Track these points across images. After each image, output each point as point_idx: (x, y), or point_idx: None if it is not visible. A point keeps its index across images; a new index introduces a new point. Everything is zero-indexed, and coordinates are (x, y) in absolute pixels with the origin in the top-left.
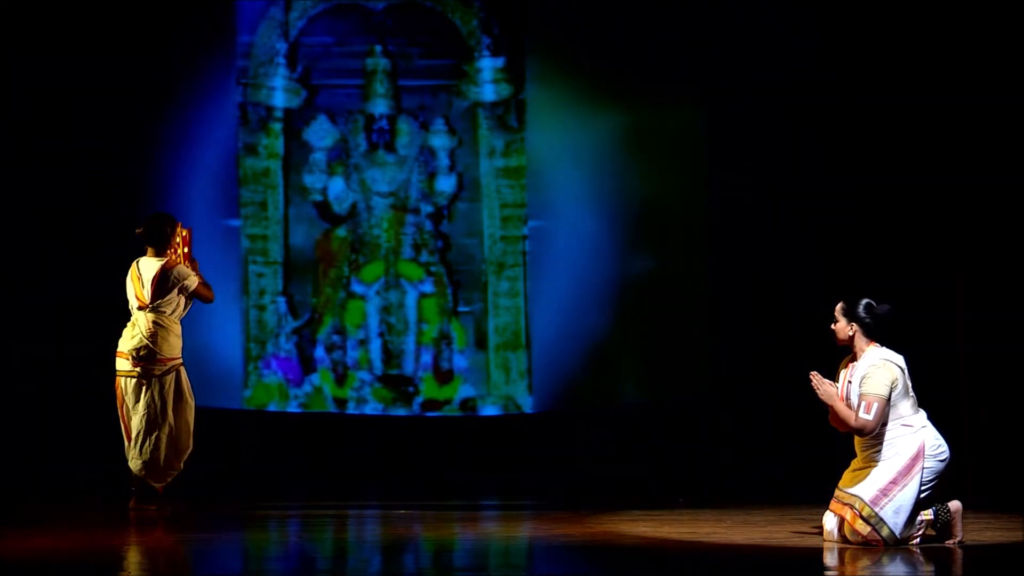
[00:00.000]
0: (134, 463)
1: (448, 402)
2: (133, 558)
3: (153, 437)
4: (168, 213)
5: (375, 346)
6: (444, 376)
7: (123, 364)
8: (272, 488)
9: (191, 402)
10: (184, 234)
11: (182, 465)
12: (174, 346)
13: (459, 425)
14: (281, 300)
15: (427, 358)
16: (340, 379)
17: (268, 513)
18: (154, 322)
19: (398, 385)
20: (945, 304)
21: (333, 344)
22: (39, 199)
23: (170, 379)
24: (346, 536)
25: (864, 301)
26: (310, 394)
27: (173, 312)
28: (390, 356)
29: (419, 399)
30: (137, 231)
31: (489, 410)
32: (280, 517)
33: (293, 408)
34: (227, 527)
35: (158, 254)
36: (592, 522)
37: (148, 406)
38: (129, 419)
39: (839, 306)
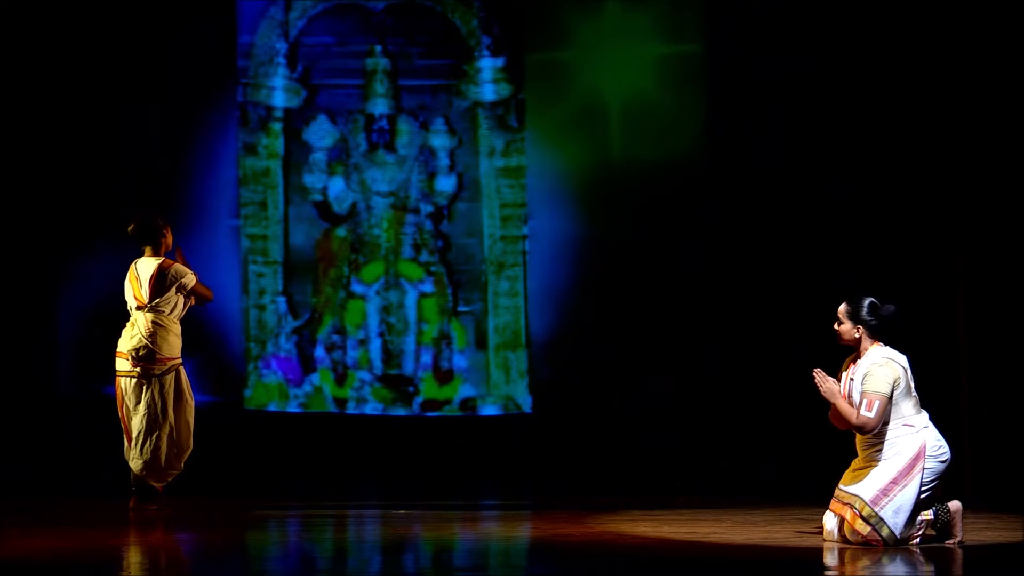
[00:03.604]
0: (135, 463)
1: (448, 402)
2: (133, 558)
3: (153, 437)
4: (157, 210)
5: (375, 346)
6: (444, 376)
7: (123, 364)
8: (272, 488)
9: (191, 402)
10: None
11: (182, 465)
12: (173, 346)
13: (459, 425)
14: (281, 300)
15: (427, 358)
16: (340, 379)
17: (268, 513)
18: (153, 322)
19: (398, 385)
20: (945, 304)
21: (333, 344)
22: (39, 199)
23: (170, 379)
24: (346, 536)
25: (867, 301)
26: (310, 394)
27: (172, 312)
28: (390, 356)
29: (419, 399)
30: (129, 229)
31: (489, 410)
32: (280, 517)
33: (293, 408)
34: (227, 527)
35: (155, 253)
36: (592, 522)
37: (148, 406)
38: (129, 419)
39: (843, 307)
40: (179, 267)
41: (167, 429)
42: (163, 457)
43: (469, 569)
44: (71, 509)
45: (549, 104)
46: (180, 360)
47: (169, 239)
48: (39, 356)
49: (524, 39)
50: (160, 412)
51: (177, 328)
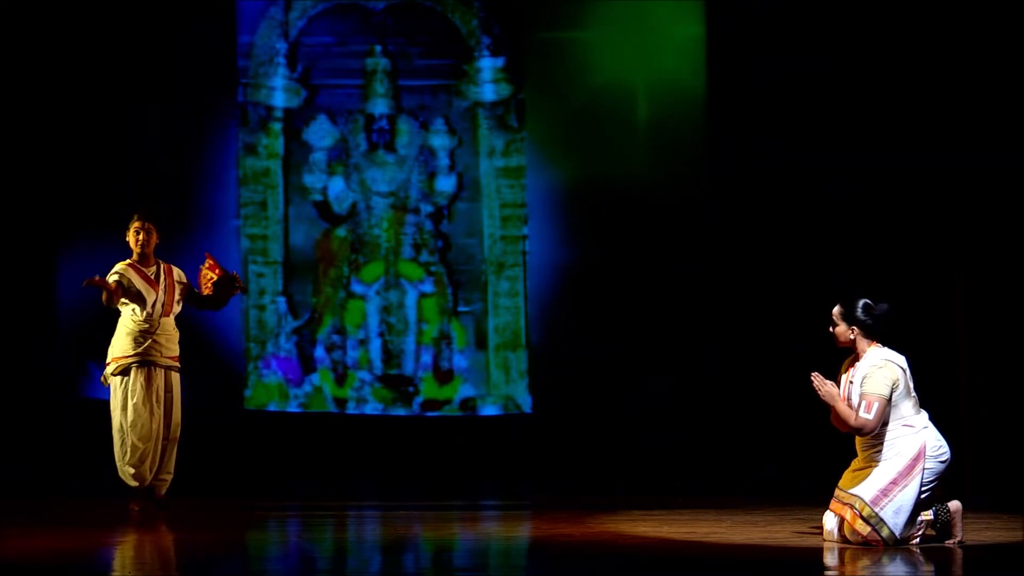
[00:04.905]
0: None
1: (448, 402)
2: (132, 558)
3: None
4: (139, 210)
5: (375, 346)
6: (444, 376)
7: None
8: (272, 488)
9: (133, 404)
10: (209, 263)
11: (140, 470)
12: (117, 345)
13: (459, 425)
14: (281, 300)
15: (427, 358)
16: (340, 379)
17: (268, 513)
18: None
19: (398, 385)
20: (945, 304)
21: (333, 344)
22: (40, 199)
23: (117, 379)
24: (346, 536)
25: (861, 302)
26: (310, 394)
27: (131, 312)
28: (390, 356)
29: (419, 399)
30: None
31: (489, 410)
32: (280, 517)
33: (293, 408)
34: (227, 527)
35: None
36: (592, 522)
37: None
38: None
39: (836, 310)
40: (116, 268)
41: (116, 427)
42: (117, 456)
43: (469, 569)
44: (71, 509)
45: (549, 103)
46: (131, 360)
47: (130, 239)
48: (39, 356)
49: (524, 38)
50: (111, 412)
51: (132, 327)
